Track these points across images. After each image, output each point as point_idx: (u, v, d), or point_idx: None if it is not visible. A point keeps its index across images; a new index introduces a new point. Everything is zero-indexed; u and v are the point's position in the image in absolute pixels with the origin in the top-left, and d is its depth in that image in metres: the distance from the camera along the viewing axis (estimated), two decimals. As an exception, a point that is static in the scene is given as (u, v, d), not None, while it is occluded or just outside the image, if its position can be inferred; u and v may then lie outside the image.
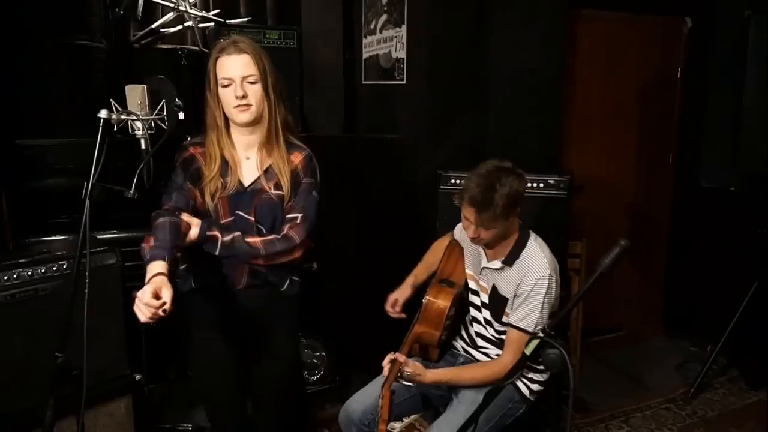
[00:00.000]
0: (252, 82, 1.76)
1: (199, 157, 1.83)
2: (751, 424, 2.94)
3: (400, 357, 1.89)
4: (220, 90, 1.77)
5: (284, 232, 1.80)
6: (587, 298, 3.12)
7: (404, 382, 1.93)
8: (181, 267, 1.90)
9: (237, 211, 1.81)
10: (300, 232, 1.80)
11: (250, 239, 1.77)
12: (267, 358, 1.96)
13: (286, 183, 1.82)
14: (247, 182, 1.83)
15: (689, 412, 3.08)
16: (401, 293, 2.29)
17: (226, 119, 1.82)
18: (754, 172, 3.09)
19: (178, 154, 1.85)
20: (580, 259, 3.06)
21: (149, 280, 1.53)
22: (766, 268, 3.13)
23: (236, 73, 1.74)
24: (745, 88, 3.02)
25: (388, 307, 2.27)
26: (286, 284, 1.92)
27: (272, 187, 1.81)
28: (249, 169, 1.84)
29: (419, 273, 2.33)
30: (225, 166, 1.82)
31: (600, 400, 3.15)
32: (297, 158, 1.86)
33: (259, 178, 1.82)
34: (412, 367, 1.90)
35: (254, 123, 1.81)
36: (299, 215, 1.82)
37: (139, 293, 1.48)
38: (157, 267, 1.57)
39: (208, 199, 1.79)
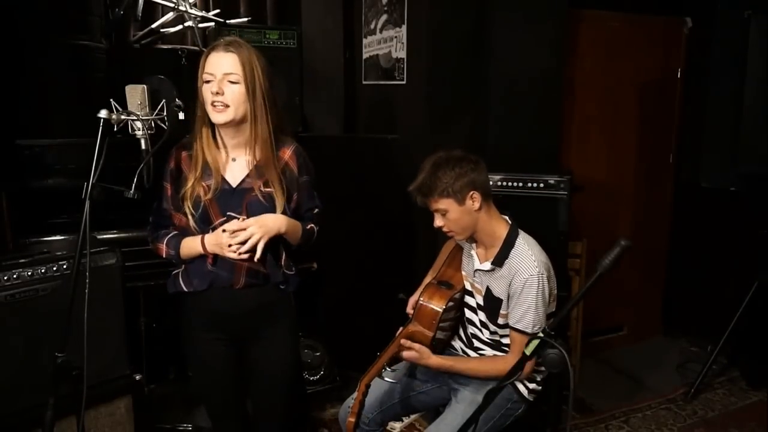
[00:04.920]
0: (233, 82, 1.72)
1: (183, 164, 1.84)
2: (752, 425, 2.94)
3: (405, 341, 1.94)
4: (203, 86, 1.75)
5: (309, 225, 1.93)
6: (587, 298, 3.12)
7: (405, 359, 1.99)
8: (177, 270, 1.90)
9: (228, 213, 1.80)
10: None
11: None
12: (267, 357, 1.95)
13: (275, 181, 1.81)
14: (234, 183, 1.82)
15: (689, 412, 3.08)
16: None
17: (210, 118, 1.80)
18: (754, 172, 3.08)
19: (166, 164, 1.87)
20: (580, 259, 3.07)
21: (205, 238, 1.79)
22: (766, 268, 3.13)
23: (217, 70, 1.72)
24: (745, 88, 3.02)
25: (410, 309, 2.21)
26: (286, 280, 1.91)
27: (261, 186, 1.80)
28: (236, 169, 1.83)
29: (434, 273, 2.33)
30: (207, 170, 1.81)
31: (600, 400, 3.15)
32: (286, 153, 1.86)
33: (247, 177, 1.81)
34: (418, 348, 1.94)
35: (234, 125, 1.78)
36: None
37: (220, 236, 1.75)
38: (193, 239, 1.81)
39: (188, 206, 1.79)
